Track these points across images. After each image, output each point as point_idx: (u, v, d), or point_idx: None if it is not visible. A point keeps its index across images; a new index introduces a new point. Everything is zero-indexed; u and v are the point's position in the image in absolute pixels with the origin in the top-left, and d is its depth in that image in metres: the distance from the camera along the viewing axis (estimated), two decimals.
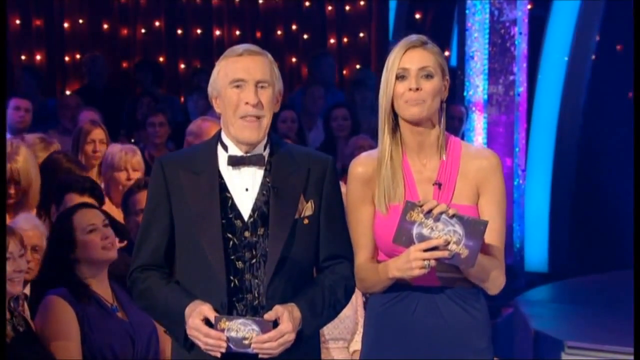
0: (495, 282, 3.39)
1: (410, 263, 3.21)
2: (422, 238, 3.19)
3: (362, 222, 3.42)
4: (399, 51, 3.37)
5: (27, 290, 4.36)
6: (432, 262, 3.20)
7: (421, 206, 3.19)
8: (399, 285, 3.37)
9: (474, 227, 3.18)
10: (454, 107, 8.13)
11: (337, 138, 8.03)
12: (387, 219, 3.36)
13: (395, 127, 3.41)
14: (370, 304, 3.50)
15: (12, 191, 4.97)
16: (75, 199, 4.96)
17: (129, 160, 5.98)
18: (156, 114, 7.62)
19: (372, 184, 3.41)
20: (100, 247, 4.25)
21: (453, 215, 3.18)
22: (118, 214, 5.55)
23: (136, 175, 5.90)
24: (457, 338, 3.39)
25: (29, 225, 4.37)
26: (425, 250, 3.18)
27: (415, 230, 3.19)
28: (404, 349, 3.40)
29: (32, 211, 5.15)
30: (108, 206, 5.67)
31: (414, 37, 3.40)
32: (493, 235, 3.36)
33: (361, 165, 3.45)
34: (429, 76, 3.35)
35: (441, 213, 3.19)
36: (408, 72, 3.35)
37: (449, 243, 3.18)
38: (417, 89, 3.33)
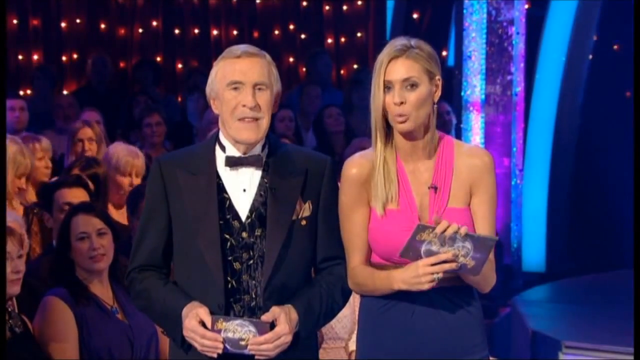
0: (488, 281, 3.40)
1: (419, 278, 3.21)
2: (431, 253, 3.20)
3: (357, 223, 3.39)
4: (384, 61, 3.35)
5: None
6: (441, 275, 3.21)
7: (433, 229, 3.18)
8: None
9: (483, 243, 3.19)
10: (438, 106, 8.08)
11: (333, 134, 8.03)
12: (384, 223, 3.35)
13: (388, 133, 3.41)
14: (365, 307, 3.46)
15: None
16: (65, 193, 4.95)
17: (135, 165, 5.86)
18: (152, 114, 7.62)
19: (367, 185, 3.39)
20: (87, 257, 4.24)
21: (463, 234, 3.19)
22: (117, 215, 5.54)
23: (138, 181, 5.85)
24: (454, 336, 3.39)
25: (12, 217, 4.37)
26: (434, 264, 3.19)
27: (424, 248, 3.20)
28: (404, 351, 3.39)
29: (20, 210, 5.19)
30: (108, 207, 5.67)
31: (398, 44, 3.36)
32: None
33: (355, 166, 3.42)
34: (413, 86, 3.33)
35: (454, 233, 3.18)
36: (392, 84, 3.34)
37: (457, 256, 3.19)
38: (401, 103, 3.32)
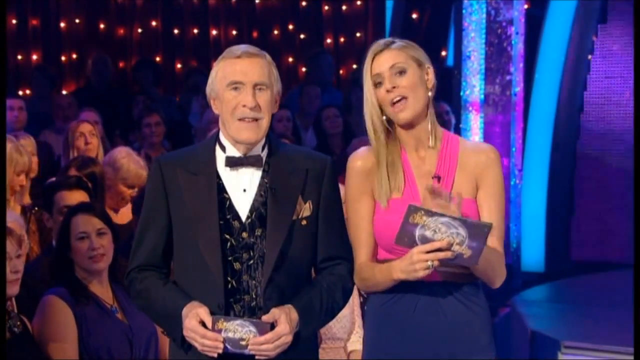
0: (498, 275, 3.40)
1: (414, 265, 3.21)
2: (425, 240, 3.18)
3: (363, 216, 3.41)
4: (368, 60, 3.41)
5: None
6: (436, 263, 3.20)
7: (425, 211, 3.17)
8: (399, 282, 3.36)
9: (477, 229, 3.17)
10: (437, 105, 8.11)
11: (331, 136, 8.05)
12: (387, 214, 3.36)
13: (389, 129, 3.42)
14: (371, 303, 3.50)
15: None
16: (65, 196, 4.95)
17: (143, 178, 5.72)
18: (151, 114, 7.62)
19: (371, 177, 3.41)
20: (87, 257, 4.24)
21: (455, 218, 3.17)
22: (114, 217, 5.51)
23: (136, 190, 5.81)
24: (458, 334, 3.39)
25: (12, 218, 4.37)
26: (429, 252, 3.19)
27: (418, 232, 3.18)
28: (406, 346, 3.40)
29: (18, 208, 5.19)
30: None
31: (380, 42, 3.43)
32: (493, 229, 3.36)
33: (360, 159, 3.46)
34: (401, 72, 3.37)
35: (447, 218, 3.17)
36: (381, 76, 3.37)
37: (451, 244, 3.18)
38: (393, 88, 3.35)
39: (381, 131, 3.41)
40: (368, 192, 3.42)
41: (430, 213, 3.17)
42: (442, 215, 3.17)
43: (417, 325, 3.38)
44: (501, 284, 3.43)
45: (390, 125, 3.43)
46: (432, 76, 3.43)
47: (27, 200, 5.51)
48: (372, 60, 3.39)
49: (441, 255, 3.18)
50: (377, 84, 3.38)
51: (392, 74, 3.36)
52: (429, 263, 3.19)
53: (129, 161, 5.91)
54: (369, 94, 3.40)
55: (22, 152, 5.32)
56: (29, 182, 5.43)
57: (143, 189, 5.28)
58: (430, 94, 3.43)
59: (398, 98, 3.35)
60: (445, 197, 3.24)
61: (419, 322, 3.38)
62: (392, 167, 3.39)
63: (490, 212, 3.38)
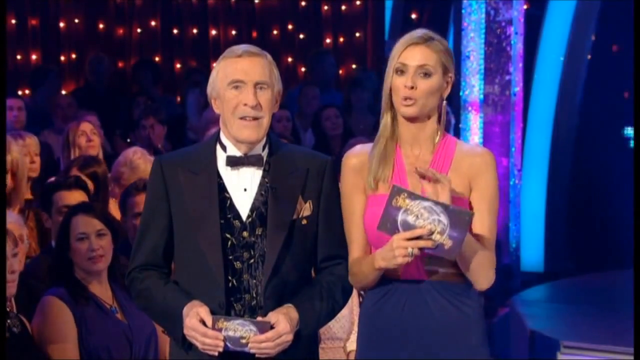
0: (485, 275, 3.35)
1: (393, 251, 3.19)
2: (407, 226, 3.17)
3: (355, 212, 3.40)
4: (401, 46, 3.37)
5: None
6: (416, 251, 3.18)
7: (409, 194, 3.16)
8: (388, 281, 3.36)
9: (458, 217, 3.16)
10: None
11: (331, 137, 8.04)
12: (375, 208, 3.34)
13: (393, 117, 3.42)
14: (364, 302, 3.50)
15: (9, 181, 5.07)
16: (64, 196, 4.95)
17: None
18: (148, 117, 7.62)
19: (364, 174, 3.41)
20: (86, 258, 4.23)
21: (438, 203, 3.16)
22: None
23: None
24: (446, 334, 3.38)
25: (12, 218, 4.36)
26: (409, 239, 3.18)
27: (400, 217, 3.17)
28: (396, 345, 3.39)
29: (16, 209, 5.17)
30: (112, 205, 5.66)
31: (418, 32, 3.39)
32: (484, 231, 3.36)
33: (355, 156, 3.45)
34: (427, 74, 3.35)
35: (429, 203, 3.16)
36: (406, 68, 3.35)
37: (432, 233, 3.16)
38: (412, 87, 3.33)
39: (388, 113, 3.40)
40: (361, 189, 3.41)
41: (413, 196, 3.16)
42: (425, 199, 3.16)
43: (406, 324, 3.37)
44: (488, 286, 3.40)
45: (394, 115, 3.42)
46: (450, 87, 3.42)
47: (27, 197, 5.50)
48: (405, 49, 3.36)
49: (422, 243, 3.17)
50: (399, 71, 3.37)
51: (417, 73, 3.34)
52: (409, 250, 3.17)
53: (145, 161, 5.96)
54: (387, 78, 3.38)
55: (10, 150, 5.27)
56: (23, 183, 5.38)
57: (131, 185, 5.28)
58: (444, 102, 3.42)
59: (410, 98, 3.34)
60: (433, 175, 3.21)
61: (407, 320, 3.37)
62: (383, 158, 3.38)
63: (482, 214, 3.37)
